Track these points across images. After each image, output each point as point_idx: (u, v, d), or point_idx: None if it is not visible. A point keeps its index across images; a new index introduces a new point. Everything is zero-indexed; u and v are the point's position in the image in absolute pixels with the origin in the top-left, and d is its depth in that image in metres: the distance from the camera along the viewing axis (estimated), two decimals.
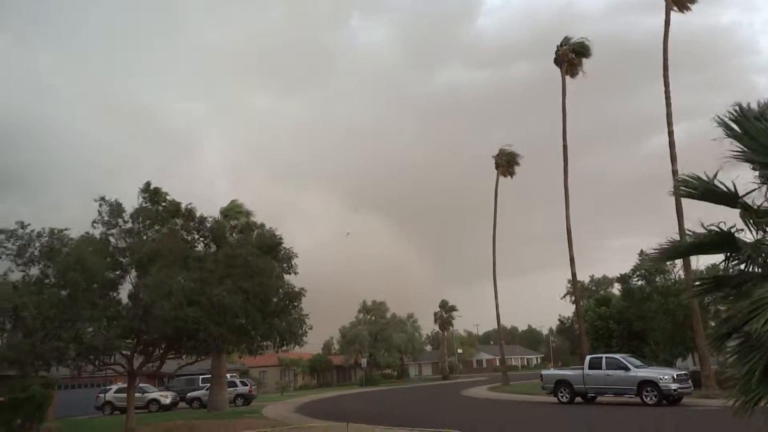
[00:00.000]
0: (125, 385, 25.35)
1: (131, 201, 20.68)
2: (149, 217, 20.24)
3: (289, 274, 21.53)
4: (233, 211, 26.74)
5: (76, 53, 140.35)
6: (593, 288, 50.08)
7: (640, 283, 36.14)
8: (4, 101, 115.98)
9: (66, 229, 19.57)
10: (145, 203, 20.65)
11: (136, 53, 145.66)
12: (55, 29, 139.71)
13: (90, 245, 19.27)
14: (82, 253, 18.33)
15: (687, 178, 5.88)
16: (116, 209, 19.99)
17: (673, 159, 27.66)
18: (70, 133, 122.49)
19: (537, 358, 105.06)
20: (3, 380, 21.42)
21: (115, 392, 34.74)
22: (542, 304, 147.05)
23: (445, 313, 76.83)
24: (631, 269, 36.15)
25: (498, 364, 71.36)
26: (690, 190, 5.85)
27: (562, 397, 24.52)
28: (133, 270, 19.99)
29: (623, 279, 37.68)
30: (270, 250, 20.60)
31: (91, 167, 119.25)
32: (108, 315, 18.98)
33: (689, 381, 22.55)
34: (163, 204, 20.79)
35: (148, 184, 20.69)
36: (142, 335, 19.78)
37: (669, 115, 28.39)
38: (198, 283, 18.29)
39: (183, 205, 21.26)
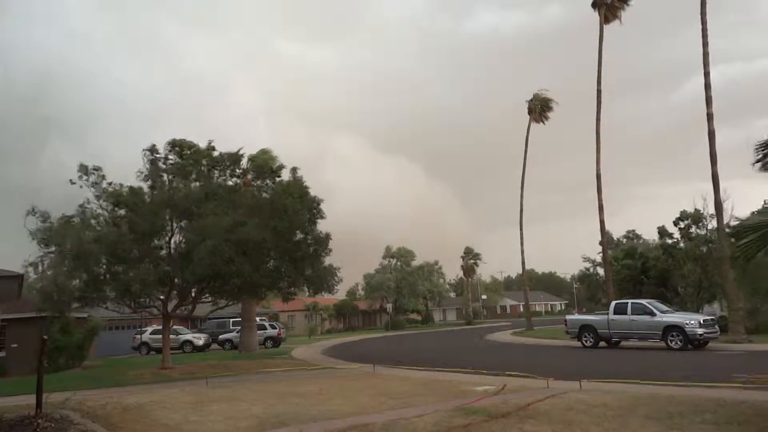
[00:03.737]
0: (160, 327, 26.40)
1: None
2: (181, 173, 21.08)
3: (316, 220, 21.77)
4: (262, 158, 26.98)
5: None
6: (625, 240, 49.70)
7: (678, 235, 36.06)
8: (43, 50, 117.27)
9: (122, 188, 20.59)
10: (173, 156, 21.42)
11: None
12: None
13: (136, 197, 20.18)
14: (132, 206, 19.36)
15: None
16: (154, 168, 20.91)
17: (709, 101, 26.68)
18: (108, 80, 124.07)
19: (561, 305, 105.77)
20: (44, 320, 22.52)
21: (150, 334, 36.24)
22: (567, 251, 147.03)
23: (470, 261, 77.29)
24: (677, 217, 35.78)
25: (522, 309, 72.06)
26: None
27: (586, 341, 24.72)
28: (175, 219, 20.75)
29: (663, 232, 37.56)
30: (300, 198, 20.92)
31: (130, 113, 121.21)
32: (148, 261, 19.80)
33: (716, 326, 22.50)
34: (188, 152, 21.42)
35: (173, 141, 21.68)
36: (177, 280, 20.51)
37: (705, 55, 27.15)
38: (231, 225, 18.79)
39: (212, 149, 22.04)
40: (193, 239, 18.89)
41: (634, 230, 49.89)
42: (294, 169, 22.51)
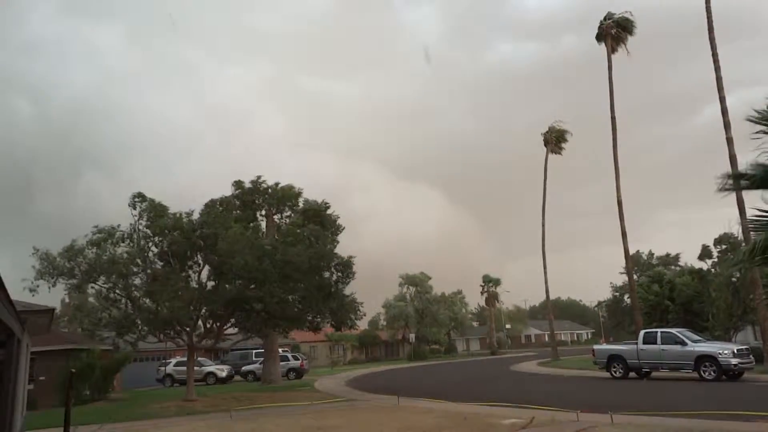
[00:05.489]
0: (184, 359, 26.49)
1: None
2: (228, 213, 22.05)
3: (335, 240, 22.37)
4: (285, 191, 27.60)
5: (141, 30, 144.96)
6: (653, 263, 48.93)
7: (712, 260, 35.65)
8: (76, 86, 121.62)
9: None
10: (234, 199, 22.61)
11: (198, 32, 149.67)
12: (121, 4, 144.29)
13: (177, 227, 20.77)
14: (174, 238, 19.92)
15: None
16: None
17: (727, 126, 26.48)
18: (139, 113, 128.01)
19: (587, 334, 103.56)
20: (71, 353, 22.78)
21: (174, 365, 36.28)
22: (591, 279, 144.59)
23: (490, 289, 76.29)
24: (716, 240, 35.39)
25: (547, 339, 70.76)
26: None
27: (615, 372, 24.14)
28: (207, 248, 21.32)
29: (705, 252, 37.12)
30: (322, 220, 21.48)
31: (161, 144, 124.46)
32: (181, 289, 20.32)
33: (750, 356, 21.80)
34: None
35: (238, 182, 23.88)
36: (205, 306, 20.89)
37: (719, 79, 27.09)
38: (266, 255, 19.12)
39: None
40: (225, 253, 19.25)
41: (678, 254, 48.97)
42: (336, 221, 23.31)
